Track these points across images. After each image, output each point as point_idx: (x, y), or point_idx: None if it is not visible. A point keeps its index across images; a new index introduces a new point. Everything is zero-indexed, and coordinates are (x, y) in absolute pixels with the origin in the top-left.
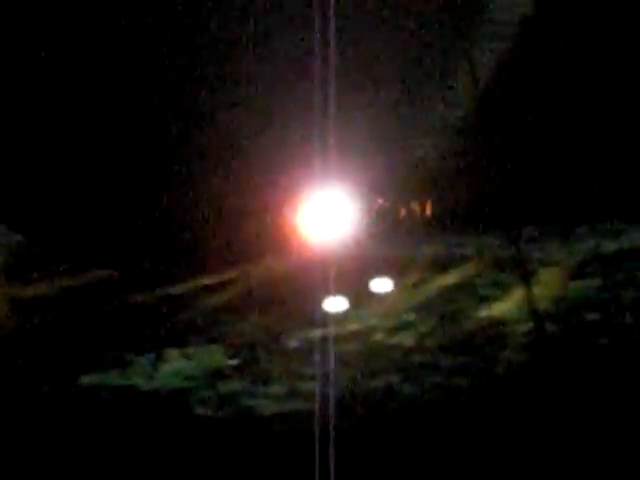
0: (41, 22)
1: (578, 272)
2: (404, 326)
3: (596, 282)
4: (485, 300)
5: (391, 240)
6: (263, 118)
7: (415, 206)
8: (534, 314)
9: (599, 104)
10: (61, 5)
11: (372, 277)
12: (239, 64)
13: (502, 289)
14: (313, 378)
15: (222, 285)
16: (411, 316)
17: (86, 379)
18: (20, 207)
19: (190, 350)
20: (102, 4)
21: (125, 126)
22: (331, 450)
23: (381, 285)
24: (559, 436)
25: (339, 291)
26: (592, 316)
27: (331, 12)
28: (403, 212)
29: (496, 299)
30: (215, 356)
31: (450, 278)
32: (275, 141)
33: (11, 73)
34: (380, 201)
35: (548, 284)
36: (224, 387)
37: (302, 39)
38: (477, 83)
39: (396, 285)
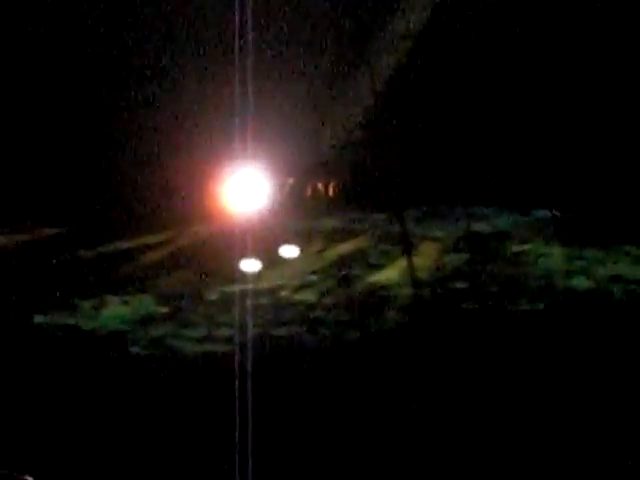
0: None
1: (452, 247)
2: (307, 286)
3: (466, 256)
4: (374, 267)
5: (298, 214)
6: (192, 104)
7: (320, 186)
8: (414, 281)
9: (478, 104)
10: None
11: (281, 244)
12: (166, 54)
13: (388, 259)
14: (229, 325)
15: (156, 245)
16: (313, 278)
17: (39, 318)
18: None
19: (127, 298)
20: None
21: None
22: (241, 385)
23: (289, 251)
24: (429, 383)
25: (253, 254)
26: (461, 284)
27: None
28: (309, 190)
29: (383, 267)
30: (148, 304)
31: (346, 247)
32: (204, 123)
33: None
34: (291, 180)
35: (427, 256)
36: (154, 330)
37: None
38: (375, 85)
39: (301, 251)
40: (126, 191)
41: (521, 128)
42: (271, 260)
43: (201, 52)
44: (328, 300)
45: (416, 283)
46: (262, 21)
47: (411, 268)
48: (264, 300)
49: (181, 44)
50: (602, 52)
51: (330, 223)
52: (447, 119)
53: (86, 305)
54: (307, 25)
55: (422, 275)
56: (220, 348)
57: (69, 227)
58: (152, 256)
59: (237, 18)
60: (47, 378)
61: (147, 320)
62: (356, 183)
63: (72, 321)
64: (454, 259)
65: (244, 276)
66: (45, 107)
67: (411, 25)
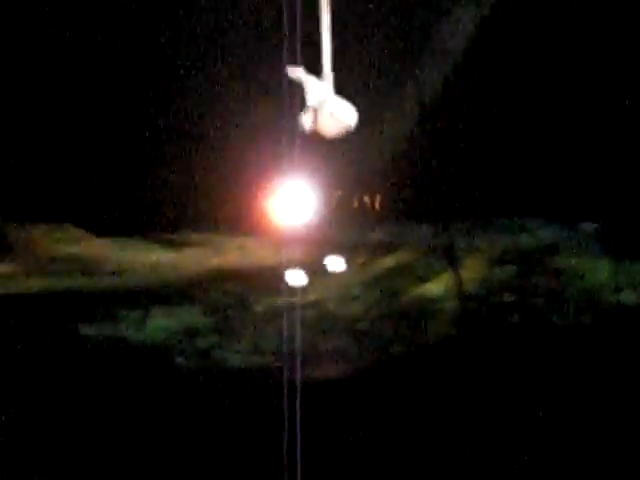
0: None
1: (498, 260)
2: (353, 298)
3: (513, 269)
4: (420, 280)
5: (345, 226)
6: (241, 116)
7: (366, 199)
8: (460, 294)
9: (523, 118)
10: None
11: (328, 256)
12: (216, 65)
13: (434, 272)
14: (275, 338)
15: (202, 257)
16: (358, 290)
17: (85, 329)
18: None
19: (173, 309)
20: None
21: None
22: (288, 397)
23: (335, 263)
24: (478, 397)
25: (300, 266)
26: (508, 298)
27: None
28: (356, 203)
29: (429, 280)
30: (194, 315)
31: (392, 260)
32: (252, 135)
33: None
34: (338, 193)
35: (472, 269)
36: (200, 342)
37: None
38: (422, 99)
39: (347, 264)
40: (175, 203)
41: (569, 142)
42: (317, 272)
43: (250, 65)
44: (374, 312)
45: (462, 296)
46: (310, 34)
47: (457, 281)
48: (310, 312)
49: (231, 56)
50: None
51: (376, 236)
52: (493, 132)
53: (132, 316)
54: (354, 39)
55: (468, 288)
56: (266, 360)
57: (116, 238)
58: (198, 267)
59: (285, 30)
60: (93, 389)
61: (193, 332)
62: (403, 196)
63: (118, 332)
64: (500, 272)
65: (290, 288)
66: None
67: (458, 41)
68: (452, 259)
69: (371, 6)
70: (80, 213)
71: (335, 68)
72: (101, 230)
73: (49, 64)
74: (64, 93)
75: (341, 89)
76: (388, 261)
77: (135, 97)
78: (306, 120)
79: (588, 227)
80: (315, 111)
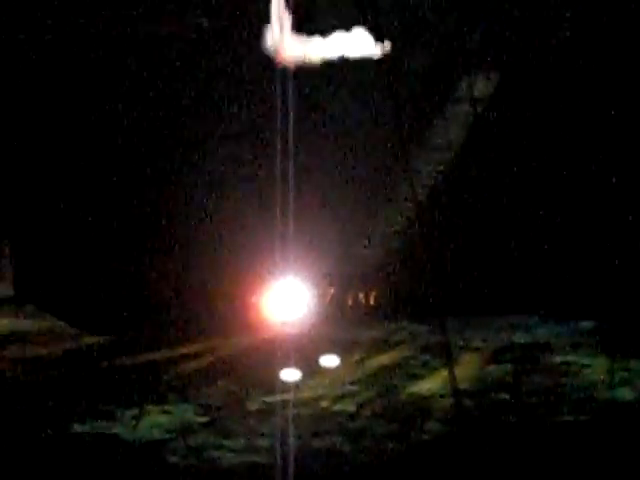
0: None
1: (494, 358)
2: (347, 396)
3: (508, 368)
4: (415, 378)
5: (339, 323)
6: (234, 214)
7: (361, 296)
8: (455, 392)
9: (518, 215)
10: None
11: (322, 354)
12: (206, 163)
13: (429, 369)
14: (269, 436)
15: (196, 354)
16: (353, 388)
17: (78, 427)
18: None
19: (167, 407)
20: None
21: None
22: None
23: (329, 360)
24: None
25: (294, 364)
26: (504, 396)
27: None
28: (350, 300)
29: (424, 377)
30: (187, 413)
31: (387, 358)
32: (246, 233)
33: None
34: (332, 290)
35: (468, 367)
36: (194, 440)
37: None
38: (417, 196)
39: (342, 361)
40: (168, 301)
41: (564, 240)
42: (311, 370)
43: (243, 163)
44: (368, 411)
45: (457, 394)
46: (301, 129)
47: (452, 379)
48: (304, 410)
49: (223, 157)
50: None
51: (371, 333)
52: (488, 230)
53: (126, 414)
54: (348, 134)
55: (463, 386)
56: (260, 459)
57: (112, 335)
58: (193, 365)
59: (277, 127)
60: None
61: (187, 429)
62: (398, 293)
63: (111, 430)
64: (496, 370)
65: (285, 386)
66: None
67: (451, 137)
68: (447, 356)
69: (364, 100)
70: (70, 309)
71: (329, 163)
72: (94, 328)
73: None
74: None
75: (333, 186)
76: (383, 358)
77: (135, 201)
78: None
79: (583, 325)
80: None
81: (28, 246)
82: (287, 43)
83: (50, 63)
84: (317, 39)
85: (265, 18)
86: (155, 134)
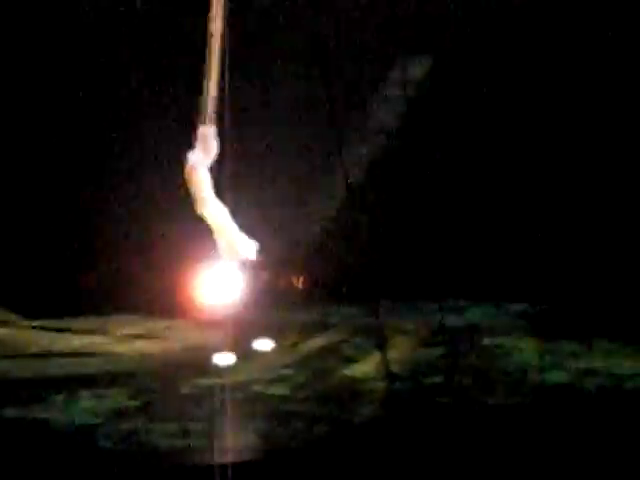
0: None
1: (426, 341)
2: (280, 379)
3: (441, 350)
4: (348, 361)
5: (272, 307)
6: (169, 201)
7: (294, 279)
8: (388, 375)
9: (450, 194)
10: None
11: (255, 337)
12: (140, 143)
13: (362, 352)
14: (202, 419)
15: (129, 337)
16: (286, 371)
17: (8, 412)
18: None
19: (98, 391)
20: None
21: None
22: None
23: (262, 344)
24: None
25: (227, 348)
26: (436, 379)
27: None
28: (283, 284)
29: (357, 360)
30: (119, 398)
31: (320, 341)
32: (178, 220)
33: None
34: (264, 273)
35: (400, 350)
36: (126, 424)
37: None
38: (348, 180)
39: (275, 345)
40: (101, 286)
41: (496, 221)
42: (245, 353)
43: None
44: (301, 394)
45: (390, 377)
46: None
47: (385, 362)
48: (237, 394)
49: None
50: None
51: (304, 316)
52: (421, 210)
53: (57, 399)
54: (279, 119)
55: (396, 369)
56: (192, 443)
57: (45, 320)
58: (125, 349)
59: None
60: (14, 473)
61: (118, 414)
62: (330, 276)
63: (42, 415)
64: (428, 353)
65: (218, 369)
66: None
67: (384, 120)
68: (380, 340)
69: (298, 85)
70: (6, 295)
71: (261, 147)
72: (28, 313)
73: None
74: None
75: (265, 170)
76: (316, 342)
77: (64, 176)
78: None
79: (515, 307)
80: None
81: None
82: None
83: None
84: None
85: None
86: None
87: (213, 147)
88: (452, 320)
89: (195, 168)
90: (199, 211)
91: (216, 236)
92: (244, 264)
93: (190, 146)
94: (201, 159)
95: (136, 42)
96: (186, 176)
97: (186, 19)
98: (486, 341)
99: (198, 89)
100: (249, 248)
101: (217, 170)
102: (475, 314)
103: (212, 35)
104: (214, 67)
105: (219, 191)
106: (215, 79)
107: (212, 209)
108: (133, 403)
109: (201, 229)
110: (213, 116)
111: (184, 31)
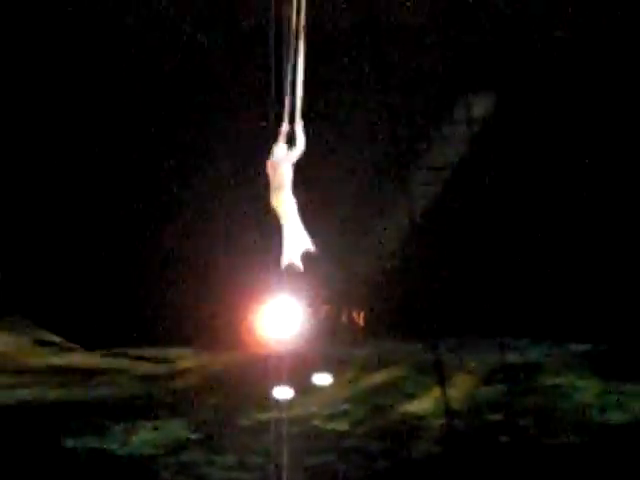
0: None
1: (486, 379)
2: (339, 414)
3: (501, 388)
4: (407, 397)
5: (332, 341)
6: (229, 229)
7: (355, 314)
8: (447, 412)
9: (513, 236)
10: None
11: (315, 372)
12: (203, 183)
13: (422, 389)
14: (260, 453)
15: (188, 370)
16: (346, 406)
17: (69, 442)
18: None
19: (159, 423)
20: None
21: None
22: None
23: (322, 379)
24: None
25: (286, 382)
26: (496, 417)
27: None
28: (344, 318)
29: (416, 397)
30: (179, 430)
31: (380, 376)
32: (240, 253)
33: None
34: (325, 308)
35: (461, 387)
36: (185, 456)
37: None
38: (412, 216)
39: (334, 379)
40: (161, 316)
41: (560, 262)
42: (304, 388)
43: (236, 180)
44: (361, 429)
45: (450, 414)
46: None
47: (445, 399)
48: (296, 428)
49: (217, 171)
50: None
51: (364, 352)
52: (483, 250)
53: (118, 429)
54: (344, 152)
55: (456, 406)
56: (251, 476)
57: (103, 350)
58: (185, 381)
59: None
60: None
61: (178, 446)
62: (392, 312)
63: (102, 445)
64: (488, 391)
65: (277, 403)
66: None
67: (448, 157)
68: (440, 376)
69: (362, 121)
70: (69, 325)
71: (325, 181)
72: (89, 343)
73: None
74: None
75: (330, 204)
76: (376, 377)
77: (126, 217)
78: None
79: (576, 347)
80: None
81: (15, 256)
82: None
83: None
84: None
85: None
86: (146, 144)
87: (300, 143)
88: (512, 358)
89: (279, 162)
90: (273, 203)
91: (282, 223)
92: (304, 256)
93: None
94: (286, 154)
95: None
96: (269, 169)
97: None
98: (547, 380)
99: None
100: (309, 242)
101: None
102: (536, 353)
103: (298, 31)
104: (300, 65)
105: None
106: (301, 77)
107: (285, 201)
108: (192, 435)
109: (264, 262)
110: (299, 114)
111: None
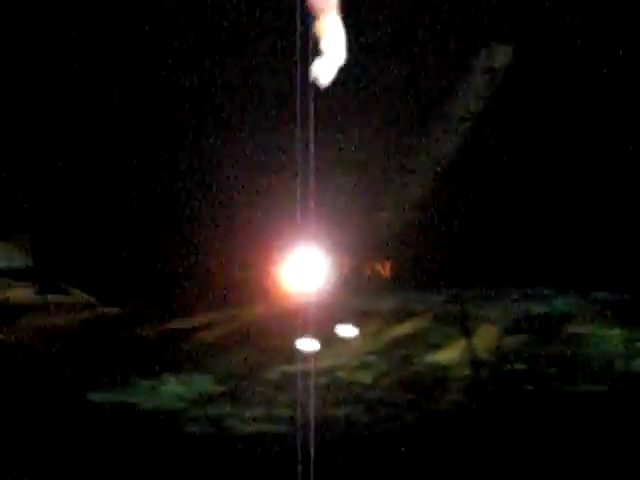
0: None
1: (511, 329)
2: (364, 366)
3: (525, 338)
4: (433, 348)
5: (357, 293)
6: (251, 183)
7: (379, 266)
8: (472, 362)
9: (538, 185)
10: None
11: (339, 324)
12: (232, 139)
13: (447, 339)
14: (287, 405)
15: (214, 323)
16: (370, 358)
17: (95, 396)
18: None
19: (185, 377)
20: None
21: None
22: (297, 466)
23: (347, 331)
24: (489, 467)
25: (311, 334)
26: (520, 366)
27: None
28: (368, 270)
29: (442, 347)
30: (205, 383)
31: (404, 328)
32: (262, 205)
33: None
34: (349, 260)
35: (485, 337)
36: (212, 410)
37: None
38: (435, 167)
39: (359, 331)
40: (185, 270)
41: (584, 211)
42: (329, 340)
43: (259, 127)
44: (386, 380)
45: (475, 364)
46: (323, 104)
47: (470, 349)
48: (322, 380)
49: (237, 119)
50: None
51: (388, 303)
52: (506, 200)
53: (144, 384)
54: (363, 103)
55: (481, 356)
56: (277, 428)
57: (131, 305)
58: (210, 335)
59: (299, 99)
60: (100, 457)
61: (204, 399)
62: (415, 264)
63: (129, 399)
64: (513, 340)
65: (302, 355)
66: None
67: (470, 107)
68: (465, 327)
69: (382, 71)
70: (90, 281)
71: (345, 134)
72: (111, 299)
73: None
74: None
75: (353, 153)
76: (400, 329)
77: (147, 178)
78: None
79: (601, 296)
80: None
81: (45, 217)
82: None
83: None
84: None
85: None
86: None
87: None
88: (537, 308)
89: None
90: (316, 30)
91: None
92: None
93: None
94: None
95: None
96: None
97: None
98: (571, 329)
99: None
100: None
101: (302, 154)
102: (560, 302)
103: None
104: None
105: (306, 177)
106: None
107: (329, 27)
108: (219, 388)
109: (285, 215)
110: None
111: None
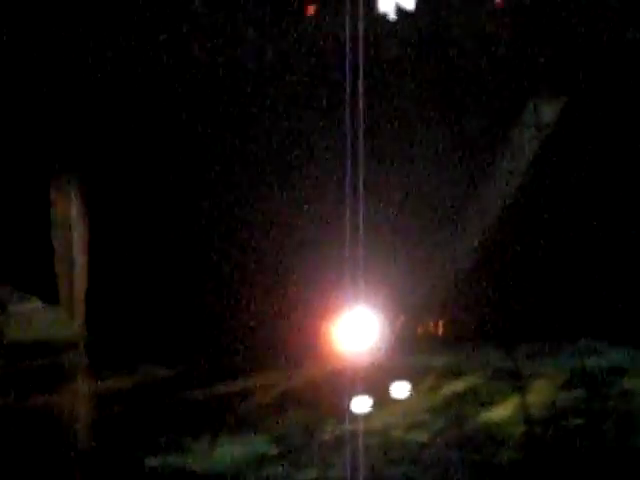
0: None
1: (565, 384)
2: (419, 425)
3: (581, 393)
4: (486, 405)
5: (409, 352)
6: (303, 243)
7: (430, 323)
8: (527, 419)
9: (589, 239)
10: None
11: (393, 382)
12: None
13: (501, 396)
14: (340, 466)
15: (267, 385)
16: (425, 416)
17: (151, 461)
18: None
19: (240, 438)
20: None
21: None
22: None
23: (400, 389)
24: None
25: (365, 393)
26: (576, 422)
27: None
28: (420, 328)
29: (495, 405)
30: (260, 444)
31: (458, 385)
32: (316, 265)
33: None
34: (402, 318)
35: (539, 393)
36: (267, 471)
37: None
38: (485, 224)
39: (413, 390)
40: (239, 331)
41: (632, 264)
42: (382, 399)
43: (313, 195)
44: (440, 439)
45: (529, 421)
46: (371, 161)
47: (524, 406)
48: (376, 440)
49: (292, 191)
50: None
51: (441, 361)
52: (559, 254)
53: (198, 446)
54: (415, 164)
55: (536, 413)
56: None
57: (183, 367)
58: (264, 396)
59: (347, 159)
60: None
61: (259, 461)
62: (467, 320)
63: (184, 462)
64: (567, 396)
65: (356, 415)
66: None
67: (520, 162)
68: (518, 383)
69: (433, 131)
70: (142, 342)
71: (399, 192)
72: (164, 360)
73: None
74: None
75: (401, 214)
76: (454, 386)
77: (199, 234)
78: None
79: None
80: None
81: (98, 276)
82: None
83: None
84: None
85: None
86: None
87: None
88: (591, 362)
89: None
90: None
91: None
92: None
93: None
94: None
95: None
96: None
97: None
98: (627, 384)
99: None
100: None
101: (354, 215)
102: (615, 356)
103: None
104: None
105: (357, 237)
106: None
107: None
108: (273, 450)
109: (337, 275)
110: None
111: None
